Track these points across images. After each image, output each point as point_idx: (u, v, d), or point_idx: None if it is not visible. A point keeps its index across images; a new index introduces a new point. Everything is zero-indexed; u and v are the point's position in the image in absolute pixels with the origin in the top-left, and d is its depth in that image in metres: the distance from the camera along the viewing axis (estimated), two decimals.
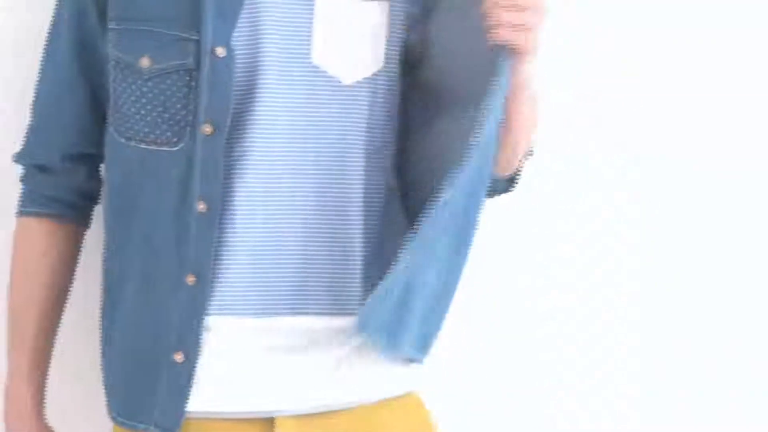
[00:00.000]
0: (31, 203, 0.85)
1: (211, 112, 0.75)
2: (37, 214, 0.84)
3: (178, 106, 0.76)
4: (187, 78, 0.76)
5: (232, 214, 0.77)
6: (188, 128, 0.75)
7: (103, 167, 0.86)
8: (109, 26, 0.78)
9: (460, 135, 0.78)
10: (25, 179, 0.86)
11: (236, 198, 0.77)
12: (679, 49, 1.78)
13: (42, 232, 0.84)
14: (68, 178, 0.85)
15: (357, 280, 0.81)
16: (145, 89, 0.77)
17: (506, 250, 1.73)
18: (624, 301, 1.77)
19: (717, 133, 1.78)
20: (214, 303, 0.76)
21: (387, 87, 0.82)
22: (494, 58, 0.77)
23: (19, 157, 0.86)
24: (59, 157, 0.84)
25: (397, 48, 0.82)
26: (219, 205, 0.75)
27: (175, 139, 0.76)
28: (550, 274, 1.74)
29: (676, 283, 1.78)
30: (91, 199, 0.88)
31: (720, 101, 1.79)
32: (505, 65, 0.75)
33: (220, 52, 0.76)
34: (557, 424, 1.80)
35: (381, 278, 0.75)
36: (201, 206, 0.75)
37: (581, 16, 1.73)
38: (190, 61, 0.76)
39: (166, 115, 0.76)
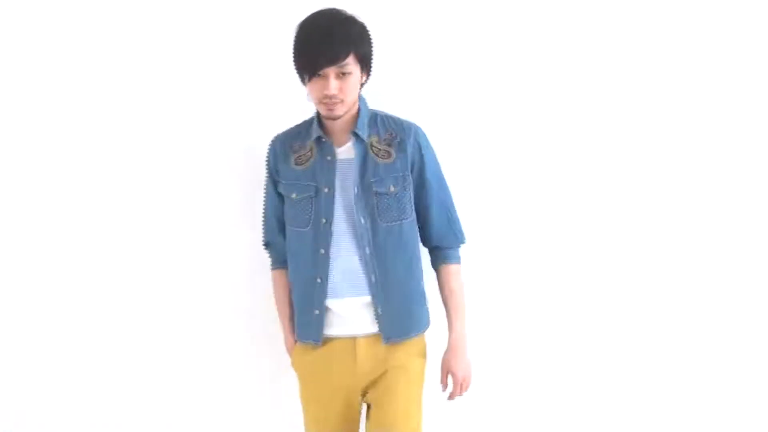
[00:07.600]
0: (274, 263, 1.90)
1: (324, 213, 1.74)
2: (277, 267, 1.90)
3: (309, 212, 1.76)
4: (311, 201, 1.77)
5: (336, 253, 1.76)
6: (312, 220, 1.74)
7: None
8: (280, 182, 1.82)
9: None
10: (269, 251, 1.92)
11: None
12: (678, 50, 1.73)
13: (281, 274, 1.88)
14: (281, 247, 1.87)
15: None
16: (297, 206, 1.80)
17: (505, 250, 1.70)
18: (622, 300, 1.73)
19: (716, 134, 1.74)
20: (329, 292, 1.74)
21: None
22: None
23: (264, 243, 1.92)
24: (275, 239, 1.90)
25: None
26: (329, 250, 1.74)
27: (307, 226, 1.75)
28: (550, 273, 1.71)
29: (674, 282, 1.74)
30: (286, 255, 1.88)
31: (719, 101, 1.74)
32: None
33: (326, 189, 1.75)
34: (556, 424, 1.77)
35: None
36: (322, 251, 1.74)
37: (581, 16, 1.69)
38: (312, 194, 1.76)
39: (305, 216, 1.76)
